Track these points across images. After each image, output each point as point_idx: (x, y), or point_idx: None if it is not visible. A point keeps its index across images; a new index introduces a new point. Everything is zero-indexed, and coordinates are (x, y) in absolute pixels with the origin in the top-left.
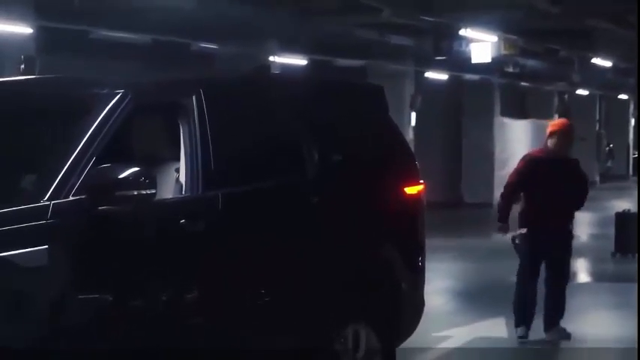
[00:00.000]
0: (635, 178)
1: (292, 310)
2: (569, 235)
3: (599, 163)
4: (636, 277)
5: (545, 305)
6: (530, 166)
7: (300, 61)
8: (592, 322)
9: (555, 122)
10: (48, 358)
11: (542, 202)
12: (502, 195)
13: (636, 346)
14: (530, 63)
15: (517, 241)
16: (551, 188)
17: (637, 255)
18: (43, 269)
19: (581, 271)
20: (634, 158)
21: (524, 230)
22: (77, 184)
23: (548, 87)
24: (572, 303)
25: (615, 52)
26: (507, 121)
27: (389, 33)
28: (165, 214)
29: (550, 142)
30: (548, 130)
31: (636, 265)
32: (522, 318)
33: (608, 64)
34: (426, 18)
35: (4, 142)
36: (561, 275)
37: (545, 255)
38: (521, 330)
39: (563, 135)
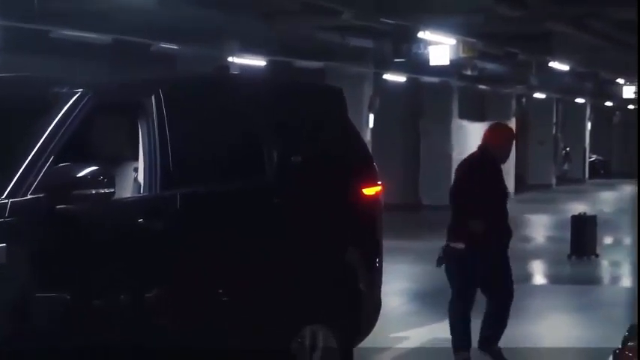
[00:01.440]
0: (592, 182)
1: (250, 310)
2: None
3: (555, 166)
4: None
5: (486, 322)
6: (472, 173)
7: (259, 62)
8: (549, 323)
9: (501, 128)
10: (4, 357)
11: (486, 214)
12: (451, 200)
13: (636, 344)
14: (489, 66)
15: (443, 256)
16: (495, 197)
17: (637, 258)
18: (0, 267)
19: (538, 273)
20: (590, 162)
21: (461, 245)
22: (35, 183)
23: (507, 90)
24: (529, 305)
25: (573, 56)
26: (465, 123)
27: (349, 35)
28: (124, 214)
29: (496, 149)
30: (496, 136)
31: (592, 269)
32: (462, 343)
33: (565, 67)
34: (386, 20)
35: None
36: (509, 294)
37: (487, 275)
38: (462, 355)
39: (511, 144)
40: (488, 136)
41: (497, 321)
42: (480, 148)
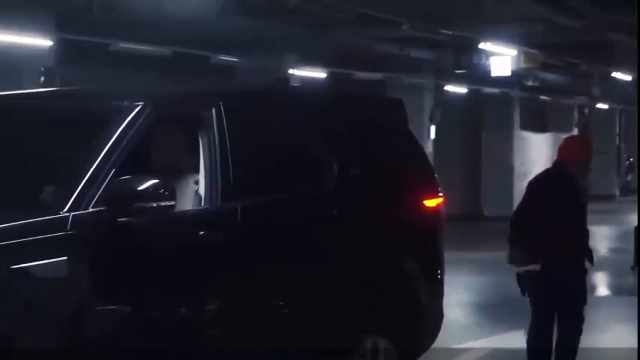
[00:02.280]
0: None
1: (311, 323)
2: (585, 272)
3: (618, 177)
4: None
5: (558, 354)
6: (548, 189)
7: (319, 73)
8: (612, 335)
9: (577, 141)
10: None
11: (561, 232)
12: (511, 220)
13: (636, 346)
14: (550, 76)
15: (523, 279)
16: (570, 214)
17: (637, 266)
18: (62, 280)
19: (601, 284)
20: None
21: (536, 267)
22: (97, 196)
23: (568, 101)
24: (591, 316)
25: (635, 65)
26: (527, 134)
27: (408, 46)
28: (185, 226)
29: (573, 164)
30: (573, 150)
31: None
32: None
33: (628, 77)
34: (446, 31)
35: (25, 154)
36: (579, 319)
37: (562, 299)
38: None
39: (588, 158)
40: (563, 151)
41: (569, 351)
42: (556, 163)
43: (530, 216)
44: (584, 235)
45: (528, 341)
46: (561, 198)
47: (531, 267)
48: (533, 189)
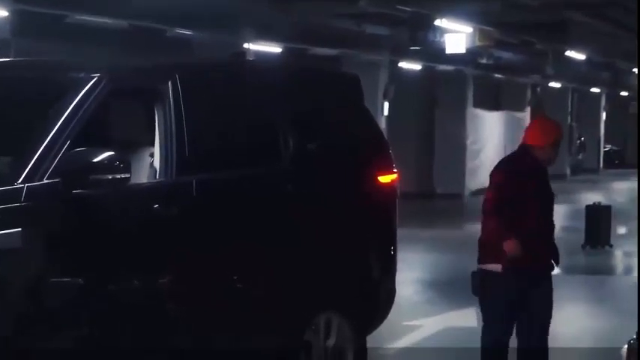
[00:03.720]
0: (606, 172)
1: (264, 298)
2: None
3: (570, 156)
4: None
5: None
6: (513, 178)
7: (275, 48)
8: (563, 314)
9: (544, 126)
10: (20, 341)
11: (530, 230)
12: (488, 211)
13: (636, 346)
14: (505, 55)
15: (479, 283)
16: (540, 210)
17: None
18: (16, 252)
19: None
20: (605, 152)
21: (498, 267)
22: (51, 168)
23: (522, 79)
24: None
25: (589, 45)
26: (480, 112)
27: (365, 22)
28: (139, 199)
29: (538, 151)
30: (545, 136)
31: (607, 258)
32: None
33: (581, 57)
34: (402, 7)
35: None
36: (545, 329)
37: (526, 303)
38: None
39: (556, 143)
40: (528, 136)
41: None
42: (521, 147)
43: (494, 208)
44: (551, 230)
45: (482, 341)
46: (526, 188)
47: (490, 266)
48: (497, 178)
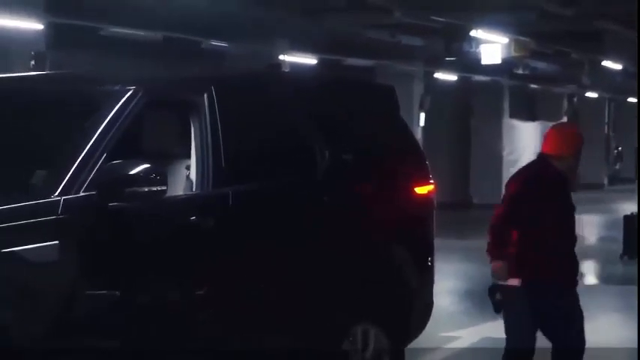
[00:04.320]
0: None
1: (302, 308)
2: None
3: (607, 166)
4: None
5: None
6: (532, 190)
7: (310, 60)
8: (600, 324)
9: (562, 133)
10: (57, 353)
11: (551, 244)
12: (492, 227)
13: (637, 346)
14: (540, 65)
15: (499, 297)
16: (559, 220)
17: (637, 257)
18: (53, 264)
19: (590, 273)
20: None
21: (516, 282)
22: (88, 180)
23: (558, 89)
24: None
25: (625, 54)
26: (516, 122)
27: (399, 33)
28: (176, 211)
29: (562, 163)
30: (564, 145)
31: None
32: None
33: (617, 66)
34: (437, 18)
35: (15, 138)
36: (581, 329)
37: (549, 323)
38: None
39: (576, 151)
40: (548, 142)
41: None
42: (539, 157)
43: (511, 220)
44: (572, 244)
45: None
46: (546, 199)
47: (510, 281)
48: (514, 189)
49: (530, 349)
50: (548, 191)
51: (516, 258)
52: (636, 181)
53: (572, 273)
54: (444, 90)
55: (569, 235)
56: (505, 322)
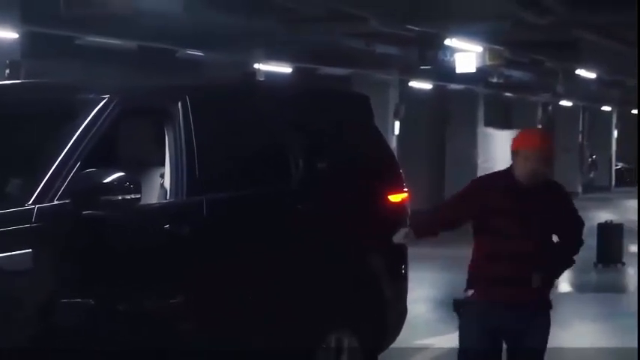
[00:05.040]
0: (618, 190)
1: (276, 316)
2: (547, 310)
3: (582, 174)
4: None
5: None
6: (481, 194)
7: (285, 68)
8: (574, 332)
9: (534, 133)
10: None
11: (505, 254)
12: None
13: (636, 346)
14: (515, 74)
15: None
16: (521, 233)
17: (637, 260)
18: (27, 273)
19: (564, 280)
20: (616, 170)
21: (469, 293)
22: (62, 189)
23: (533, 98)
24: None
25: (599, 63)
26: (491, 131)
27: (375, 42)
28: (150, 219)
29: (516, 168)
30: (522, 141)
31: (619, 276)
32: None
33: (592, 75)
34: (412, 27)
35: None
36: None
37: (514, 337)
38: None
39: (540, 152)
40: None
41: None
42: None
43: (445, 208)
44: (537, 256)
45: None
46: (492, 206)
47: (467, 292)
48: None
49: None
50: (502, 197)
51: (469, 268)
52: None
53: (539, 291)
54: (418, 98)
55: (533, 248)
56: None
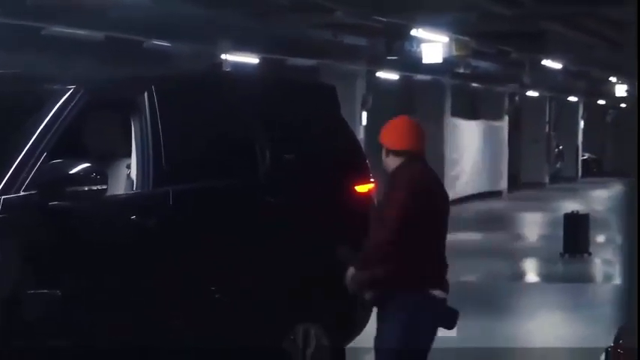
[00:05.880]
0: (584, 180)
1: (242, 308)
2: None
3: (548, 164)
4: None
5: None
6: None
7: (252, 59)
8: (541, 322)
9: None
10: None
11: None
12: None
13: (636, 346)
14: (482, 64)
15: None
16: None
17: (637, 254)
18: None
19: (530, 271)
20: (583, 160)
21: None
22: (28, 180)
23: (500, 88)
24: (521, 303)
25: (566, 54)
26: (458, 121)
27: (341, 32)
28: (116, 210)
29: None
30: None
31: (585, 266)
32: None
33: (558, 66)
34: (379, 18)
35: None
36: None
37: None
38: None
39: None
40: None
41: None
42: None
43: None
44: (418, 258)
45: None
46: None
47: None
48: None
49: None
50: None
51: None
52: (580, 180)
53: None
54: (386, 89)
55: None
56: None
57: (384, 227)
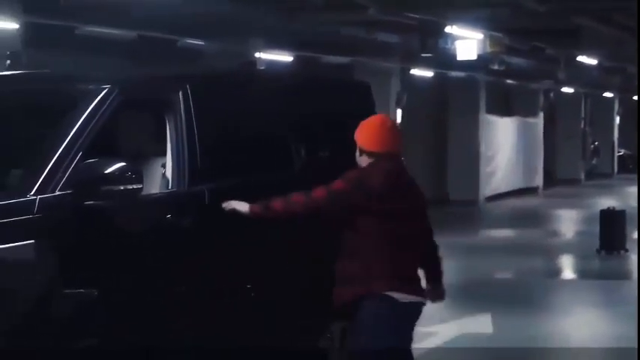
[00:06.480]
0: (620, 177)
1: (280, 306)
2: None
3: (584, 161)
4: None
5: None
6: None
7: (285, 57)
8: (577, 319)
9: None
10: (35, 354)
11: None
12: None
13: (636, 345)
14: (516, 61)
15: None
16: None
17: (638, 251)
18: (29, 264)
19: (567, 267)
20: (618, 156)
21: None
22: (64, 179)
23: (534, 85)
24: (557, 300)
25: (601, 50)
26: (493, 118)
27: (375, 30)
28: (152, 209)
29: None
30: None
31: (621, 263)
32: None
33: (593, 62)
34: (412, 15)
35: None
36: None
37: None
38: None
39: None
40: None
41: None
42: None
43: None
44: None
45: None
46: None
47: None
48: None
49: None
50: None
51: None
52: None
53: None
54: (420, 86)
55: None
56: None
57: (306, 196)
